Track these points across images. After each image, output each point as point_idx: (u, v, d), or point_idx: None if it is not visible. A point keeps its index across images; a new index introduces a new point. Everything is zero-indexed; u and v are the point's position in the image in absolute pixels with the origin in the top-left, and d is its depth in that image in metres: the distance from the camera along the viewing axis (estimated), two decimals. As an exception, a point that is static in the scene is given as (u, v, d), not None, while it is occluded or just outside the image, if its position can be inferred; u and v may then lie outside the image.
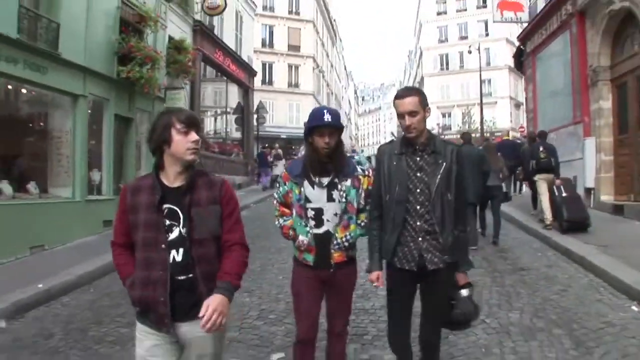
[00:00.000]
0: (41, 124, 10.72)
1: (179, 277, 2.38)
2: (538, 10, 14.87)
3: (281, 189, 3.34)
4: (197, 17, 17.04)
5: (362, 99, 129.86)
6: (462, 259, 3.17)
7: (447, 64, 55.68)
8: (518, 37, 17.38)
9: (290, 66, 42.20)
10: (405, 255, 3.09)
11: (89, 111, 11.05)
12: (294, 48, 42.15)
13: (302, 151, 27.10)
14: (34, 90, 9.87)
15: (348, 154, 3.44)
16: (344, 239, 3.19)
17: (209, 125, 20.98)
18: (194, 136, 2.40)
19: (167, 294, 2.35)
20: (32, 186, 9.59)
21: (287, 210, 3.33)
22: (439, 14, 56.30)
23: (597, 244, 7.59)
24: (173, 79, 14.80)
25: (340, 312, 3.37)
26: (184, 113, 2.50)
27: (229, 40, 20.44)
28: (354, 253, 3.34)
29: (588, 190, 11.49)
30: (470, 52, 37.71)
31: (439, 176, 3.03)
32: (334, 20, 59.30)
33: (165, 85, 14.11)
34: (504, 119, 48.54)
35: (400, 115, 3.06)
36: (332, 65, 58.30)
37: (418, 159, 3.10)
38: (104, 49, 11.44)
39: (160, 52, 13.02)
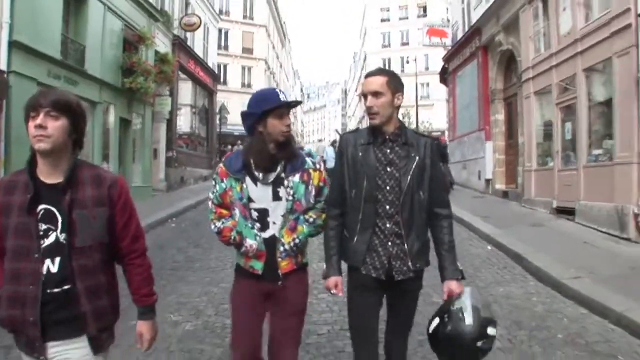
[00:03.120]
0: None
1: (53, 290, 2.03)
2: (458, 38, 18.68)
3: (217, 187, 2.83)
4: (176, 32, 19.83)
5: (308, 96, 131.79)
6: (449, 265, 2.76)
7: (390, 67, 59.56)
8: (443, 57, 21.18)
9: (243, 68, 44.88)
10: (373, 262, 2.73)
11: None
12: (247, 50, 44.85)
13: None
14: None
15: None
16: (291, 243, 2.73)
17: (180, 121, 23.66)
18: (35, 120, 2.00)
19: (37, 313, 2.00)
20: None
21: (225, 212, 2.84)
22: (382, 20, 59.80)
23: (482, 216, 11.19)
24: (158, 87, 17.57)
25: (287, 339, 2.80)
26: (33, 96, 2.08)
27: (198, 50, 23.24)
28: (305, 260, 2.90)
29: (487, 181, 15.33)
30: (408, 62, 41.78)
31: (411, 172, 2.69)
32: (284, 22, 62.27)
33: (156, 92, 16.90)
34: (440, 120, 52.87)
35: (364, 96, 2.75)
36: (281, 66, 61.21)
37: (388, 150, 2.73)
38: (112, 63, 14.24)
39: (153, 65, 15.90)
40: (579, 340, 4.70)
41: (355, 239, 2.75)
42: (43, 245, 2.03)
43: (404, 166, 2.70)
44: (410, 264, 2.71)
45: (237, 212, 2.77)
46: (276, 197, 2.74)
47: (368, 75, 2.80)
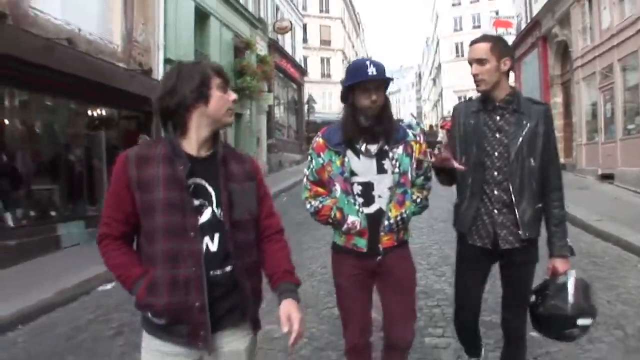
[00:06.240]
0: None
1: (215, 272, 1.85)
2: (521, 29, 20.67)
3: (314, 162, 2.67)
4: (270, 35, 22.97)
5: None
6: (557, 241, 2.64)
7: (462, 51, 60.22)
8: (509, 46, 23.07)
9: (322, 59, 47.53)
10: (478, 230, 2.68)
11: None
12: (325, 42, 47.47)
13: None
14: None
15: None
16: (398, 218, 2.59)
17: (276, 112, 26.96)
18: (233, 94, 1.93)
19: (204, 297, 1.80)
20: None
21: (320, 190, 2.68)
22: (453, 5, 59.95)
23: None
24: (260, 84, 20.73)
25: (402, 315, 2.68)
26: (217, 64, 1.96)
27: (287, 48, 26.34)
28: (407, 236, 2.74)
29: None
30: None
31: (520, 138, 2.58)
32: (358, 13, 64.44)
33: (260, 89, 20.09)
34: (512, 101, 53.49)
35: (470, 64, 2.65)
36: (356, 55, 63.49)
37: (498, 117, 2.64)
38: (227, 68, 17.39)
39: (258, 67, 19.08)
40: (585, 252, 7.11)
41: (464, 205, 2.72)
42: (200, 223, 1.83)
43: (513, 132, 2.59)
44: (520, 232, 2.60)
45: (337, 187, 2.60)
46: (381, 169, 2.59)
47: (472, 42, 2.71)
